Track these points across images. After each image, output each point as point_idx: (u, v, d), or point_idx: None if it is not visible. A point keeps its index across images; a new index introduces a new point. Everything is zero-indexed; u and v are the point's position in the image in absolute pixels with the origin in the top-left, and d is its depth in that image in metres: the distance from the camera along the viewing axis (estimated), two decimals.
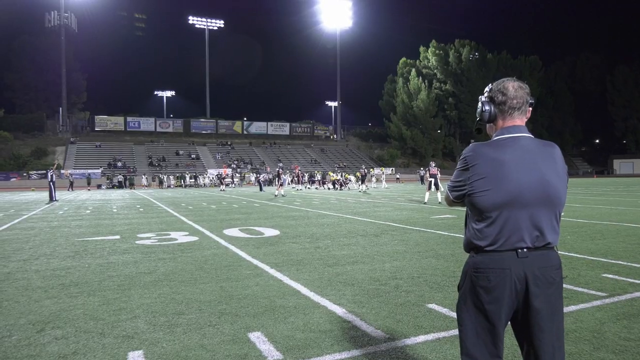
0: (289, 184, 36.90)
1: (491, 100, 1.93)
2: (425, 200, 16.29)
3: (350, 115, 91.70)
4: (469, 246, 1.87)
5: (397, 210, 13.12)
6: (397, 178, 50.06)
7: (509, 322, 1.85)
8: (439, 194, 16.42)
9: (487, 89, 1.96)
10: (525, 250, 1.78)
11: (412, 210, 13.28)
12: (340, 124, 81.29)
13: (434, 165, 16.96)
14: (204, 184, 44.58)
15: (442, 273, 5.02)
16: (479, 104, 1.96)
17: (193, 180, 46.30)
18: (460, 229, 8.49)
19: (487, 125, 1.97)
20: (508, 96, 1.89)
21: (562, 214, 1.84)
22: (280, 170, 23.81)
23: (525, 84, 1.92)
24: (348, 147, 75.07)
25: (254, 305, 3.95)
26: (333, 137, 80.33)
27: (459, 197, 1.91)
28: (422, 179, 40.17)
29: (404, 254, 6.17)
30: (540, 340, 1.77)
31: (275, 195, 22.52)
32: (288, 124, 76.21)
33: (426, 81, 72.81)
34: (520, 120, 1.90)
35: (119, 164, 54.57)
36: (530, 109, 1.94)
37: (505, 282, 1.77)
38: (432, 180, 16.32)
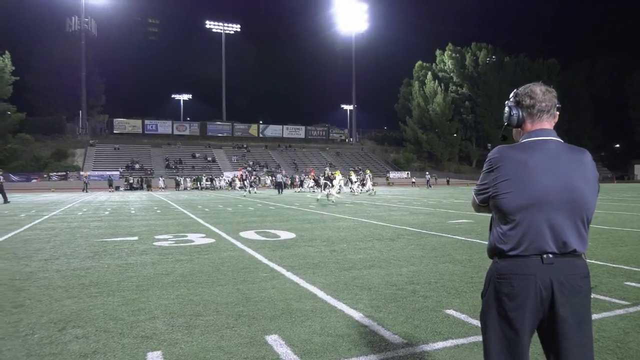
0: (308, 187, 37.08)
1: (518, 104, 1.91)
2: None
3: (366, 118, 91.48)
4: (493, 251, 1.85)
5: (413, 215, 13.05)
6: (413, 182, 49.75)
7: (536, 332, 1.81)
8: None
9: (512, 94, 1.95)
10: (550, 256, 1.74)
11: (428, 214, 13.19)
12: (356, 127, 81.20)
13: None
14: (220, 186, 44.88)
15: (460, 278, 4.97)
16: (506, 109, 1.95)
17: (209, 182, 46.66)
18: (478, 234, 8.40)
19: (514, 130, 1.96)
20: (537, 99, 1.87)
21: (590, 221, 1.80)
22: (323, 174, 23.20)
23: (552, 88, 1.90)
24: (363, 151, 74.89)
25: (271, 308, 3.95)
26: (348, 140, 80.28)
27: (484, 200, 1.90)
28: (428, 182, 40.71)
29: (421, 259, 6.13)
30: (566, 350, 1.72)
31: (333, 201, 21.21)
32: (303, 127, 76.39)
33: (442, 84, 72.35)
34: (548, 123, 1.88)
35: (137, 166, 55.34)
36: (558, 113, 1.91)
37: (529, 288, 1.73)
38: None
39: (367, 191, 28.07)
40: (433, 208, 15.72)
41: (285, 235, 8.66)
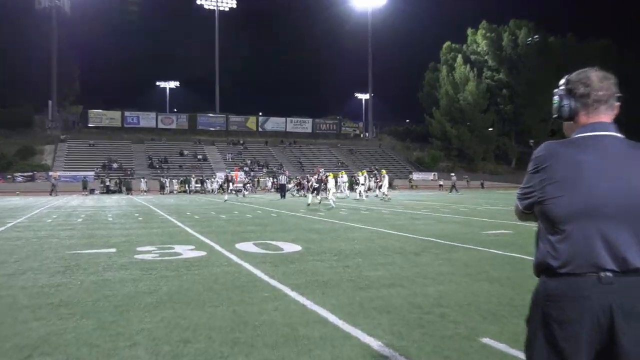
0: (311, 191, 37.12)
1: (570, 93, 1.89)
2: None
3: (384, 109, 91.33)
4: (540, 268, 1.83)
5: (440, 224, 13.00)
6: (440, 185, 49.61)
7: None
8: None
9: (563, 80, 1.93)
10: (609, 274, 1.71)
11: (459, 224, 13.13)
12: (372, 120, 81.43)
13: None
14: (212, 190, 45.13)
15: (498, 300, 4.93)
16: (555, 98, 1.93)
17: (199, 185, 46.95)
18: (519, 248, 8.34)
19: (565, 124, 1.94)
20: (592, 87, 1.85)
21: None
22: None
23: (611, 74, 1.88)
24: (381, 148, 74.99)
25: (273, 334, 3.95)
26: (364, 135, 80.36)
27: (529, 206, 1.89)
28: (453, 187, 39.94)
29: (450, 277, 6.10)
30: None
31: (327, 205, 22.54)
32: (310, 120, 76.67)
33: (475, 69, 72.18)
34: (606, 116, 1.86)
35: (115, 165, 55.88)
36: (618, 104, 1.89)
37: (584, 314, 1.71)
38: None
39: (382, 195, 27.94)
40: (465, 216, 15.64)
41: (289, 247, 8.67)
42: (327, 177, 24.60)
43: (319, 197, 23.72)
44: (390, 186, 40.00)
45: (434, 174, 62.82)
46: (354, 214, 16.89)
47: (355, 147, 73.01)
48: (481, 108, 71.44)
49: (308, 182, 28.87)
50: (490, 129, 72.94)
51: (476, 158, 72.49)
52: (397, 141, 79.67)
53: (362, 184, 29.20)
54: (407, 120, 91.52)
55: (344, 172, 34.21)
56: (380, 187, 31.03)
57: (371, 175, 37.68)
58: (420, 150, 74.61)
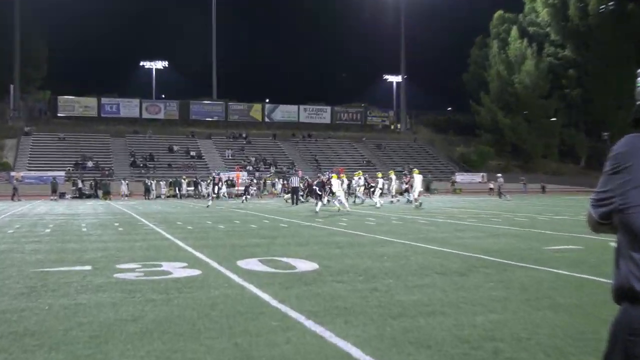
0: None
1: None
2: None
3: (420, 95, 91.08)
4: (621, 293, 1.82)
5: (492, 237, 12.93)
6: (491, 188, 49.23)
7: None
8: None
9: None
10: None
11: (515, 237, 13.03)
12: (405, 108, 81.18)
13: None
14: (208, 194, 45.38)
15: (564, 333, 4.88)
16: (639, 80, 1.91)
17: (192, 188, 47.23)
18: (591, 268, 8.26)
19: None
20: None
21: None
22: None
23: None
24: (416, 142, 74.84)
25: None
26: (395, 127, 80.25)
27: (606, 214, 1.87)
28: (499, 191, 39.36)
29: (505, 303, 6.06)
30: None
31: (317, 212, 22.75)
32: (329, 109, 76.86)
33: (534, 44, 71.59)
34: None
35: (90, 163, 56.52)
36: None
37: None
38: None
39: (412, 200, 27.81)
40: (522, 228, 15.52)
41: (303, 265, 8.69)
42: (329, 179, 25.05)
43: (336, 203, 23.98)
44: (428, 190, 39.66)
45: (482, 175, 62.42)
46: (382, 224, 16.86)
47: (384, 141, 72.97)
48: (541, 92, 70.79)
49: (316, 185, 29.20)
50: (552, 119, 72.24)
51: (535, 155, 71.86)
52: (435, 134, 79.40)
53: (380, 188, 29.30)
54: (449, 108, 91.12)
55: (360, 173, 34.24)
56: (407, 190, 31.03)
57: (402, 177, 37.52)
58: (465, 145, 74.29)
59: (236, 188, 46.05)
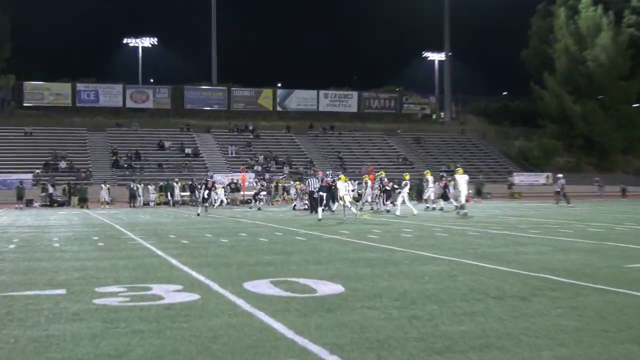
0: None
1: None
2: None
3: (468, 77, 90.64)
4: None
5: (560, 252, 12.80)
6: (557, 191, 48.73)
7: None
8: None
9: None
10: None
11: (587, 252, 12.88)
12: (450, 92, 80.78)
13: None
14: (202, 199, 45.46)
15: None
16: None
17: (188, 193, 47.32)
18: None
19: None
20: None
21: None
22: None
23: None
24: (464, 135, 74.49)
25: None
26: (437, 116, 79.89)
27: None
28: (562, 193, 38.91)
29: (577, 334, 5.99)
30: None
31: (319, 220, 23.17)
32: (355, 95, 76.86)
33: (611, 12, 70.84)
34: None
35: (63, 164, 56.94)
36: None
37: None
38: None
39: (459, 209, 27.54)
40: (597, 241, 15.34)
41: (325, 287, 8.65)
42: (335, 181, 25.19)
43: (354, 209, 24.17)
44: (479, 194, 39.48)
45: (547, 175, 61.92)
46: (422, 237, 16.77)
47: (423, 134, 72.89)
48: (621, 72, 70.07)
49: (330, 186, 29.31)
50: (635, 105, 71.45)
51: (613, 150, 71.10)
52: (488, 125, 79.03)
53: (375, 189, 29.40)
54: (504, 93, 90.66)
55: (383, 173, 34.08)
56: (443, 195, 30.88)
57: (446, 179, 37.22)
58: (526, 138, 73.81)
59: (241, 193, 46.13)
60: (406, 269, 10.55)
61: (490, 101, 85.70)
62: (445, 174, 35.76)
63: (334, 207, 26.28)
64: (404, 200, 28.46)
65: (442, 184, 32.70)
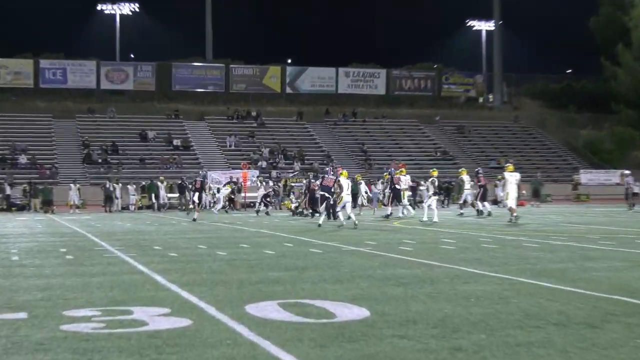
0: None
1: None
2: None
3: (523, 51, 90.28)
4: None
5: (637, 268, 12.77)
6: (635, 193, 48.48)
7: None
8: None
9: None
10: None
11: None
12: (501, 71, 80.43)
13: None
14: (204, 203, 45.48)
15: None
16: None
17: (177, 195, 47.37)
18: None
19: None
20: None
21: None
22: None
23: None
24: (518, 123, 74.21)
25: None
26: (485, 99, 79.62)
27: None
28: (628, 194, 39.53)
29: None
30: None
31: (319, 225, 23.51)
32: (383, 73, 76.73)
33: None
34: None
35: (23, 158, 57.12)
36: None
37: None
38: None
39: (511, 215, 27.30)
40: None
41: (346, 311, 8.63)
42: (337, 179, 25.46)
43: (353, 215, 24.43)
44: (536, 196, 39.37)
45: (621, 173, 61.52)
46: (466, 249, 16.74)
47: (467, 121, 72.67)
48: None
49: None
50: None
51: None
52: (548, 110, 78.75)
53: (434, 193, 29.36)
54: (568, 71, 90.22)
55: (404, 171, 33.90)
56: (481, 196, 30.96)
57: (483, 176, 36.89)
58: (595, 127, 73.63)
59: (242, 194, 46.14)
60: (447, 288, 10.51)
61: (550, 81, 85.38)
62: (481, 171, 35.32)
63: (342, 215, 26.27)
64: (429, 204, 28.58)
65: (478, 183, 32.58)
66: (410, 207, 32.78)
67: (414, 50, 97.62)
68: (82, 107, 67.29)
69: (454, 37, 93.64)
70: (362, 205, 36.44)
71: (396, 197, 31.17)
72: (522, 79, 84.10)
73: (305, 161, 60.51)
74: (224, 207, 40.57)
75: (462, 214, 32.48)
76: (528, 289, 10.47)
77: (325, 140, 66.17)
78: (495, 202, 37.59)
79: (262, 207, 37.60)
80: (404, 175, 32.57)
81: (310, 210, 33.87)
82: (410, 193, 34.85)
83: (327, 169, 35.85)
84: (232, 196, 44.08)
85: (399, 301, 9.40)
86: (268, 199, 38.63)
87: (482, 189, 31.94)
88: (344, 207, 25.21)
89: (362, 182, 37.59)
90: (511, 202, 26.95)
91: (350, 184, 25.94)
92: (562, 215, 33.25)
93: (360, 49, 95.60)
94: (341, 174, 25.93)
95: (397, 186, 31.13)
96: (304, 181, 38.01)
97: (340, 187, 24.73)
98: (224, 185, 44.57)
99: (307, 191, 34.63)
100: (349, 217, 25.20)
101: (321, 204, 26.16)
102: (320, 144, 65.24)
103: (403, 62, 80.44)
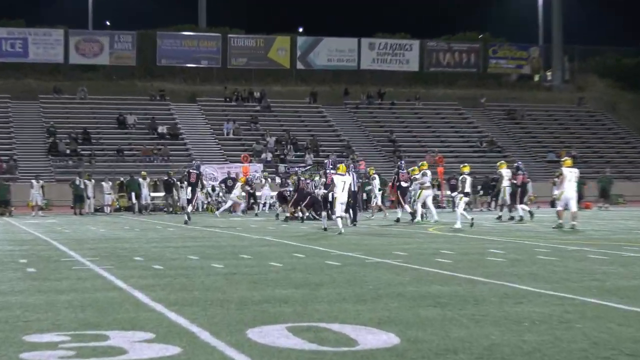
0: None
1: None
2: None
3: (589, 19, 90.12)
4: None
5: None
6: None
7: None
8: None
9: None
10: None
11: None
12: (561, 42, 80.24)
13: None
14: (196, 205, 45.54)
15: None
16: None
17: (162, 194, 47.49)
18: None
19: None
20: None
21: None
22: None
23: None
24: (583, 107, 74.06)
25: None
26: (542, 77, 79.49)
27: None
28: None
29: None
30: None
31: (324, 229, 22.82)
32: (416, 44, 76.71)
33: None
34: None
35: None
36: None
37: None
38: None
39: (559, 219, 27.26)
40: None
41: (371, 338, 8.62)
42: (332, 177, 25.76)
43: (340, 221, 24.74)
44: (604, 196, 39.54)
45: None
46: (517, 261, 16.75)
47: (520, 104, 72.59)
48: None
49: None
50: None
51: None
52: (619, 91, 78.62)
53: (465, 192, 29.39)
54: None
55: (426, 165, 33.88)
56: (516, 197, 31.06)
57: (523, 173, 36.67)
58: None
59: (243, 193, 46.22)
60: (494, 310, 10.50)
61: (622, 56, 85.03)
62: (522, 166, 34.99)
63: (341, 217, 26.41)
64: (459, 206, 28.61)
65: (514, 182, 32.33)
66: (433, 210, 32.71)
67: (454, 17, 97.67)
68: (47, 86, 67.64)
69: (503, 1, 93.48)
70: (376, 206, 36.63)
71: (402, 196, 31.26)
72: (587, 52, 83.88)
73: (320, 152, 60.52)
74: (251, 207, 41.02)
75: (512, 217, 32.41)
76: (595, 311, 10.44)
77: (345, 127, 66.28)
78: (551, 204, 37.59)
79: (280, 210, 37.71)
80: (419, 174, 32.46)
81: (301, 214, 34.31)
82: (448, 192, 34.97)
83: (326, 161, 35.88)
84: (251, 191, 44.50)
85: (435, 325, 9.37)
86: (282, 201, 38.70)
87: (519, 189, 31.75)
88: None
89: (377, 177, 37.73)
90: (571, 203, 26.70)
91: (349, 182, 25.92)
92: (637, 220, 33.17)
93: (388, 15, 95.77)
94: (338, 168, 25.93)
95: (402, 183, 31.19)
96: (294, 178, 37.97)
97: (333, 185, 24.82)
98: (227, 183, 44.84)
99: (295, 191, 34.74)
100: (331, 218, 25.48)
101: (324, 205, 26.35)
102: (339, 132, 65.36)
103: (441, 31, 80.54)
